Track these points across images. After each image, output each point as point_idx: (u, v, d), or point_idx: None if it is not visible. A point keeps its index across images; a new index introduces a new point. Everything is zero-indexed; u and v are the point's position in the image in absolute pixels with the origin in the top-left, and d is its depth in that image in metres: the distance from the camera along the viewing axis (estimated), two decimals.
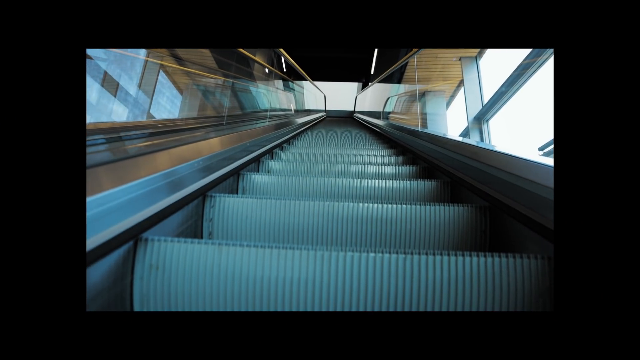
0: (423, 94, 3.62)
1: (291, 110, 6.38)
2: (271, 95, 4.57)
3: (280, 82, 5.67)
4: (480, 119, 2.31)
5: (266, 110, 3.72)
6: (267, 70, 4.37)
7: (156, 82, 1.58)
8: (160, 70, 1.66)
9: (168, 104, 1.76)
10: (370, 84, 9.56)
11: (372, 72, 12.39)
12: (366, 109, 8.94)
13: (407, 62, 4.01)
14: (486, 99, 2.30)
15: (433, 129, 2.95)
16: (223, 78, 2.65)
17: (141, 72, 1.44)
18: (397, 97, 5.16)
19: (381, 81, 6.54)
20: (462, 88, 2.66)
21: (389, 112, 5.63)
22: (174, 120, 1.82)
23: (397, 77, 5.05)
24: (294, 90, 7.11)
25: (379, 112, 6.57)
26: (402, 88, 4.75)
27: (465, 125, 2.46)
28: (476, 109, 2.35)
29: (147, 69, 1.49)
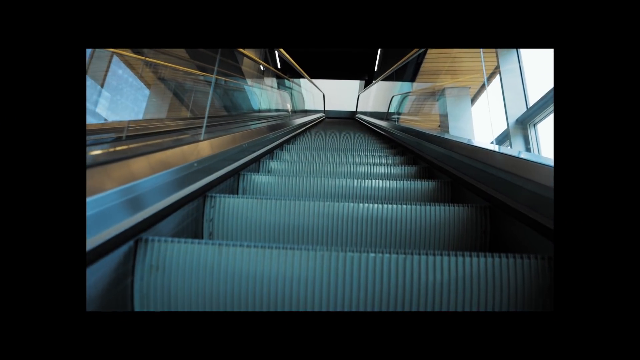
0: (442, 91, 2.93)
1: (284, 110, 5.37)
2: (244, 94, 3.70)
3: (272, 79, 4.94)
4: (525, 122, 1.78)
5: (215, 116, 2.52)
6: (255, 66, 3.66)
7: None
8: None
9: None
10: (374, 81, 8.72)
11: (375, 68, 11.67)
12: (370, 109, 7.99)
13: (425, 51, 3.32)
14: (531, 97, 1.79)
15: (456, 134, 2.32)
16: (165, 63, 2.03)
17: None
18: (414, 95, 4.14)
19: (389, 76, 5.52)
20: (491, 83, 2.08)
21: (399, 114, 4.56)
22: None
23: (411, 71, 4.13)
24: (290, 88, 6.33)
25: (389, 114, 5.47)
26: (419, 84, 3.94)
27: (498, 129, 1.92)
28: (518, 109, 1.84)
29: None
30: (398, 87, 5.00)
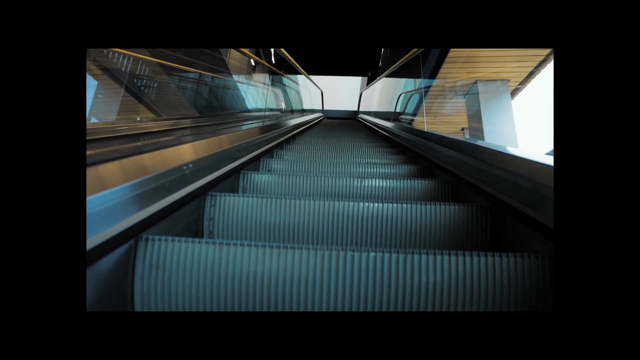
0: (470, 87, 2.34)
1: (260, 110, 4.13)
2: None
3: (265, 75, 4.14)
4: None
5: None
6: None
7: None
8: None
9: None
10: (378, 77, 7.53)
11: (380, 63, 10.72)
12: (375, 109, 6.99)
13: None
14: None
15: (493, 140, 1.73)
16: None
17: None
18: (445, 91, 3.23)
19: (397, 70, 4.48)
20: (539, 73, 1.65)
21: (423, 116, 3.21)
22: None
23: (434, 60, 3.30)
24: (284, 85, 5.47)
25: (407, 119, 4.13)
26: (442, 77, 3.10)
27: (542, 135, 1.51)
28: None
29: None
30: (418, 81, 3.91)
